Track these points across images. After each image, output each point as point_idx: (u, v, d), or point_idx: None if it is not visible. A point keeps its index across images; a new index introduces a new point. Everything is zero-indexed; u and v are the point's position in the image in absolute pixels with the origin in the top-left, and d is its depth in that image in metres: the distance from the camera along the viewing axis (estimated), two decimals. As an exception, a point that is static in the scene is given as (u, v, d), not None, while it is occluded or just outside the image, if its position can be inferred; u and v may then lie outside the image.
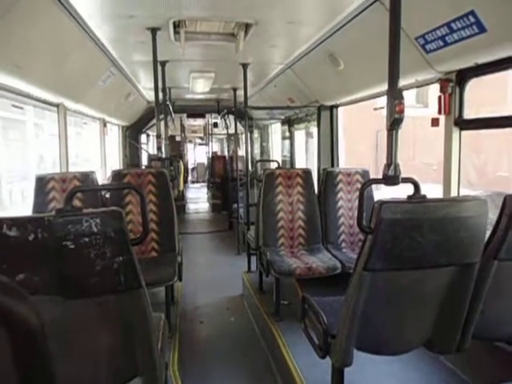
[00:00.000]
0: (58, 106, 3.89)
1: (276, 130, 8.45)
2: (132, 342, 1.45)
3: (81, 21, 2.82)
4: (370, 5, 2.53)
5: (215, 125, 11.01)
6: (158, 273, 2.87)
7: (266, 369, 2.97)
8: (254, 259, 4.55)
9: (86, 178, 3.33)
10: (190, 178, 16.68)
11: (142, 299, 1.41)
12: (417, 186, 1.62)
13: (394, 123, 1.70)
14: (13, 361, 0.40)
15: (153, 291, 3.25)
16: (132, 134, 7.68)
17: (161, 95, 4.13)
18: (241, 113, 6.09)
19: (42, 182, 3.23)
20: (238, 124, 6.94)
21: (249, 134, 5.59)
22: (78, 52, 3.27)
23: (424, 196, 1.59)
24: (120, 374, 1.49)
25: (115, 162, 7.08)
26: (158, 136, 3.92)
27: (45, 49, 2.79)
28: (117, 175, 3.47)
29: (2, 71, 2.52)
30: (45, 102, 3.62)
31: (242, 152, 9.63)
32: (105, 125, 5.79)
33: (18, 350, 0.40)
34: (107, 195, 3.72)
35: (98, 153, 5.94)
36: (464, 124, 2.61)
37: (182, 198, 10.29)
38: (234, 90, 6.24)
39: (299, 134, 6.94)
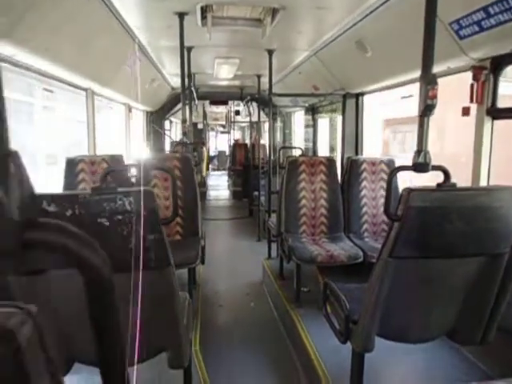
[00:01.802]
0: (86, 90, 3.97)
1: (299, 117, 8.39)
2: (161, 317, 1.51)
3: (109, 4, 2.85)
4: None
5: (237, 112, 10.99)
6: (181, 255, 2.93)
7: (284, 353, 3.02)
8: (274, 246, 4.58)
9: (114, 160, 3.42)
10: (210, 165, 16.80)
11: (171, 277, 1.46)
12: (447, 174, 1.60)
13: (427, 109, 1.67)
14: (88, 309, 0.43)
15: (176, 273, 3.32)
16: (156, 120, 7.77)
17: (186, 81, 4.16)
18: (264, 100, 6.06)
19: (71, 164, 3.33)
20: (261, 112, 6.92)
21: (272, 122, 5.57)
22: (106, 36, 3.31)
23: (454, 184, 1.57)
24: (148, 347, 1.55)
25: (136, 149, 7.17)
26: (184, 121, 3.96)
27: (74, 33, 2.84)
28: (144, 160, 3.55)
29: (33, 54, 2.59)
30: (74, 85, 3.70)
31: (263, 140, 9.60)
32: (130, 110, 5.87)
33: (93, 298, 0.43)
34: (133, 179, 3.80)
35: (115, 139, 5.90)
36: (497, 113, 2.53)
37: (203, 184, 10.39)
38: (258, 76, 6.20)
39: (322, 122, 6.87)
